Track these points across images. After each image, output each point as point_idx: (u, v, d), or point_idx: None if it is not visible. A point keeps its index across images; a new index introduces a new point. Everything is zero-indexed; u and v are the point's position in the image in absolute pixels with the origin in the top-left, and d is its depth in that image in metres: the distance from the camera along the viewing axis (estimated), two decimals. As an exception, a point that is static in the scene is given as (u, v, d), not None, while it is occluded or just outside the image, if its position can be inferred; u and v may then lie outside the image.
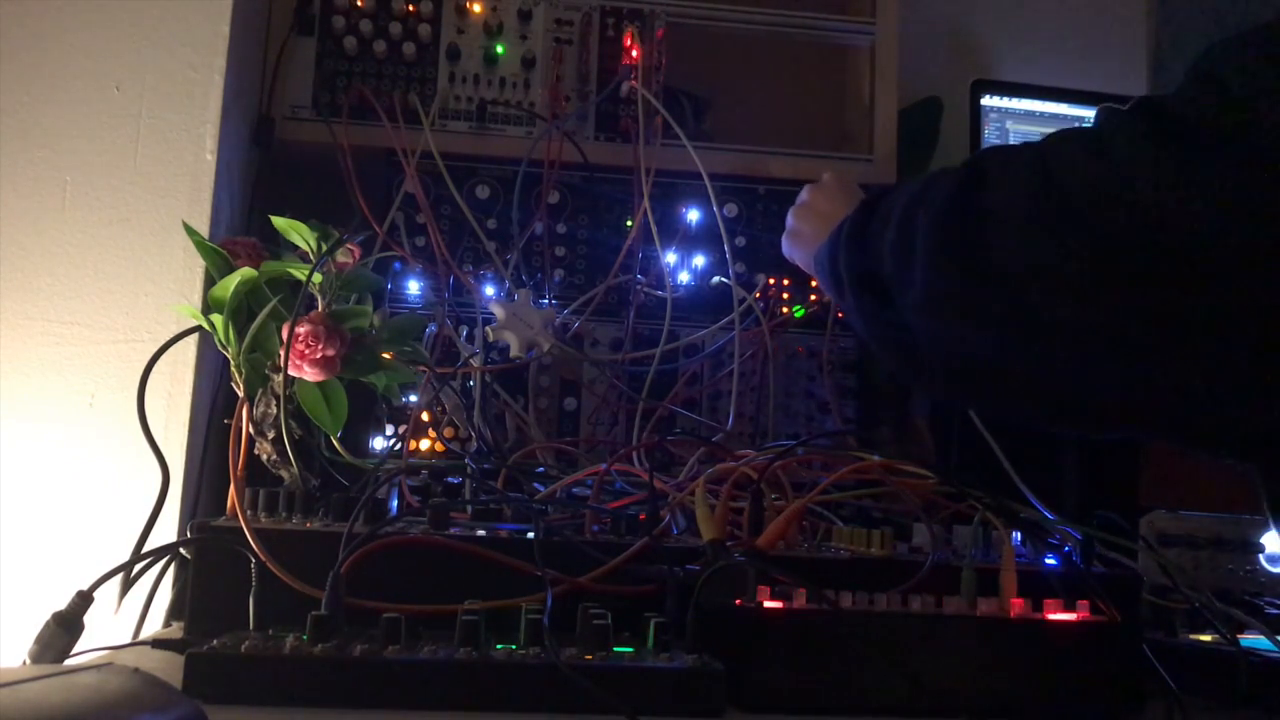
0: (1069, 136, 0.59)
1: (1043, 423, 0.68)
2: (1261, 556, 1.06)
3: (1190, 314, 0.52)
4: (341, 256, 0.93)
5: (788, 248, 1.02)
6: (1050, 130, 0.64)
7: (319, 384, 0.89)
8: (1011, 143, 1.32)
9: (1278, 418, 0.55)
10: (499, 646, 0.64)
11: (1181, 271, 0.51)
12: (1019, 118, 1.55)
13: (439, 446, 1.16)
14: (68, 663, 0.72)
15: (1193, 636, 0.89)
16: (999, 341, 0.61)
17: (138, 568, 0.85)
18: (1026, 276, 0.57)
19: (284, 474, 0.92)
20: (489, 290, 1.18)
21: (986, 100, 1.54)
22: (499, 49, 1.26)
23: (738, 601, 0.68)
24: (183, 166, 1.04)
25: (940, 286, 0.63)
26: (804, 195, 1.01)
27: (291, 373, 0.87)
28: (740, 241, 1.27)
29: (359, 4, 1.24)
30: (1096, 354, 0.57)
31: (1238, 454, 0.62)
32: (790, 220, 1.01)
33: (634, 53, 1.26)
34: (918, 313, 0.66)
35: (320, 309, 0.90)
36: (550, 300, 1.21)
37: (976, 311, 0.61)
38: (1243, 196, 0.49)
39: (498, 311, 1.13)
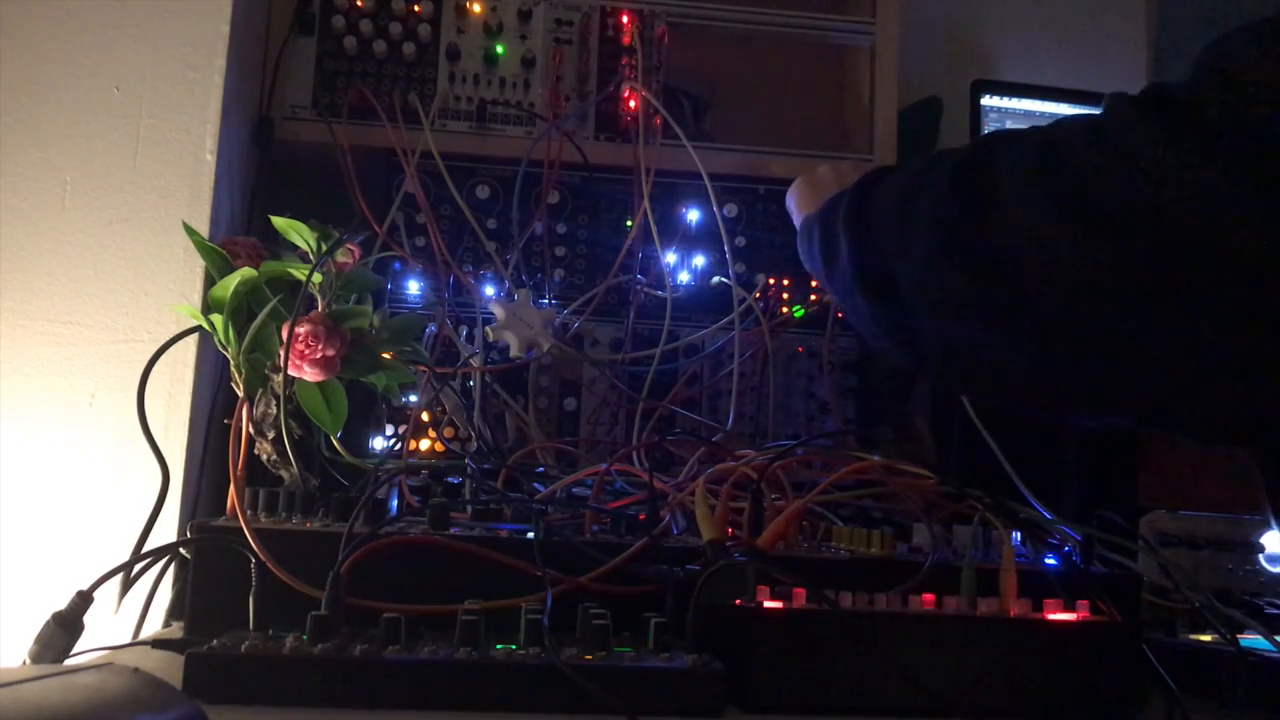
0: (1074, 120, 0.60)
1: (1039, 408, 0.68)
2: (1261, 556, 1.06)
3: (1176, 292, 0.53)
4: (341, 256, 0.93)
5: (790, 203, 1.04)
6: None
7: (319, 384, 0.89)
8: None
9: (1262, 405, 0.56)
10: (499, 646, 0.64)
11: (1174, 253, 0.52)
12: (1019, 118, 1.55)
13: (439, 446, 1.16)
14: (68, 663, 0.72)
15: (1193, 636, 0.88)
16: (997, 325, 0.61)
17: (138, 568, 0.85)
18: (1026, 246, 0.57)
19: (284, 474, 0.92)
20: (489, 290, 1.18)
21: (986, 100, 1.54)
22: (499, 49, 1.25)
23: (738, 601, 0.68)
24: (183, 166, 1.04)
25: (942, 278, 0.63)
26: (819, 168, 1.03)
27: (291, 373, 0.87)
28: (740, 241, 1.27)
29: (359, 4, 1.24)
30: (1094, 325, 0.57)
31: (1230, 441, 0.62)
32: (796, 181, 1.03)
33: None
34: (920, 306, 0.66)
35: (320, 309, 0.90)
36: (550, 300, 1.21)
37: (977, 299, 0.61)
38: (1241, 188, 0.50)
39: (498, 311, 1.13)
